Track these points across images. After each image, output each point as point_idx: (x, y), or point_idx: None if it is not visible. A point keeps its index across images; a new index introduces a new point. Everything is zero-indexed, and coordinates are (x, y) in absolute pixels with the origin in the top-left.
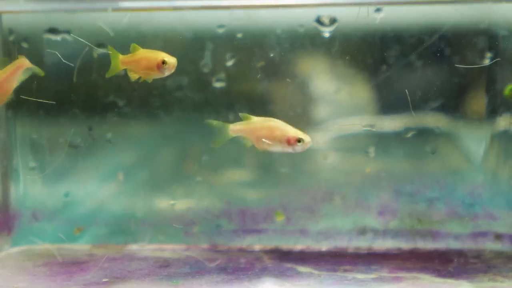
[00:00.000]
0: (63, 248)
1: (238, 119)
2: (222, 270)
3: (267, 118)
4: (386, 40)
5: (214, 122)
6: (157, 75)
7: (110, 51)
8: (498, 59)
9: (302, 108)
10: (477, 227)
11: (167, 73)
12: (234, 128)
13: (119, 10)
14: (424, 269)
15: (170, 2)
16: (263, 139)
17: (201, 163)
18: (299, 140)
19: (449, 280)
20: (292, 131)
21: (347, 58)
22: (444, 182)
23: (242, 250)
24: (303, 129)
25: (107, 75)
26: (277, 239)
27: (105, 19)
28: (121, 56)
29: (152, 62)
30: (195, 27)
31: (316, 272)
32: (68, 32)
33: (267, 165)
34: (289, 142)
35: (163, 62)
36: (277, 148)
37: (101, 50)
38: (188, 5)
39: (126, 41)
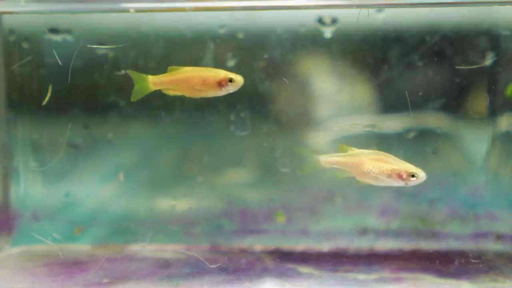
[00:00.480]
0: (64, 248)
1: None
2: (223, 270)
3: (371, 151)
4: (387, 40)
5: (305, 151)
6: (213, 93)
7: (131, 74)
8: (495, 58)
9: (304, 108)
10: (478, 228)
11: (230, 91)
12: (329, 160)
13: (120, 11)
14: (425, 270)
15: (172, 4)
16: (373, 173)
17: (202, 163)
18: (413, 175)
19: (450, 281)
20: (404, 165)
21: (348, 58)
22: (446, 183)
23: (243, 251)
24: (304, 130)
25: (133, 99)
26: (278, 239)
27: (104, 19)
28: (150, 77)
29: (212, 79)
30: (196, 27)
31: (317, 272)
32: (68, 32)
33: (268, 165)
34: (401, 177)
35: (230, 80)
36: (384, 183)
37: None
38: (190, 6)
39: (126, 41)
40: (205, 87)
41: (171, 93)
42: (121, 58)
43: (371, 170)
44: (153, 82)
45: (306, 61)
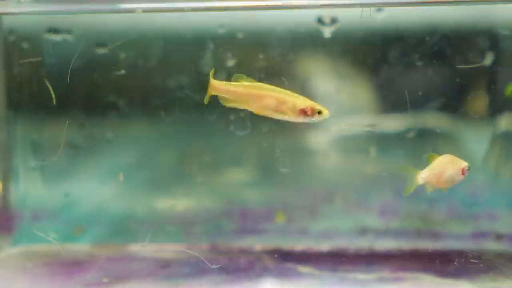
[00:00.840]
0: (64, 248)
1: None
2: (223, 270)
3: (445, 157)
4: (387, 40)
5: (406, 169)
6: (289, 118)
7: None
8: (494, 58)
9: None
10: (478, 228)
11: (312, 122)
12: (424, 176)
13: (119, 11)
14: (425, 270)
15: (171, 4)
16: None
17: (201, 163)
18: (469, 167)
19: (450, 281)
20: (462, 161)
21: (348, 58)
22: None
23: (242, 251)
24: (304, 129)
25: (206, 101)
26: (278, 239)
27: (104, 19)
28: (214, 81)
29: (291, 104)
30: (195, 27)
31: (316, 272)
32: (68, 32)
33: (268, 165)
34: (463, 171)
35: (319, 112)
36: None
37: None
38: (190, 6)
39: (126, 41)
40: (281, 110)
41: (231, 104)
42: (121, 57)
43: (454, 176)
44: (215, 87)
45: (306, 61)
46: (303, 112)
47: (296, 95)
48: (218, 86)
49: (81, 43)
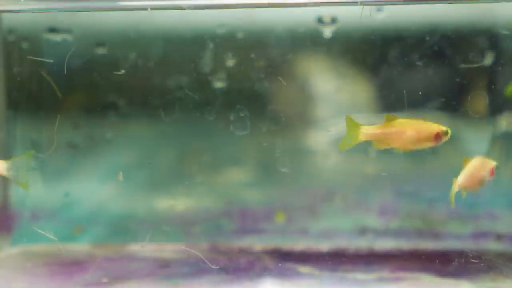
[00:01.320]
0: (63, 248)
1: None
2: (223, 270)
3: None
4: (387, 39)
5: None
6: (425, 146)
7: (348, 122)
8: (494, 58)
9: (303, 107)
10: (478, 228)
11: (442, 141)
12: (460, 182)
13: (117, 9)
14: (425, 270)
15: (171, 2)
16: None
17: (201, 163)
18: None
19: (450, 280)
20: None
21: (347, 57)
22: (445, 183)
23: (242, 250)
24: (304, 129)
25: (341, 148)
26: (278, 239)
27: (104, 18)
28: (363, 127)
29: (427, 133)
30: (195, 26)
31: (316, 272)
32: (68, 31)
33: (268, 165)
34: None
35: (446, 133)
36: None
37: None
38: (189, 4)
39: (125, 41)
40: (419, 141)
41: (382, 147)
42: (121, 57)
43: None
44: (364, 133)
45: (306, 61)
46: (437, 136)
47: (421, 121)
48: (367, 132)
49: (79, 43)
